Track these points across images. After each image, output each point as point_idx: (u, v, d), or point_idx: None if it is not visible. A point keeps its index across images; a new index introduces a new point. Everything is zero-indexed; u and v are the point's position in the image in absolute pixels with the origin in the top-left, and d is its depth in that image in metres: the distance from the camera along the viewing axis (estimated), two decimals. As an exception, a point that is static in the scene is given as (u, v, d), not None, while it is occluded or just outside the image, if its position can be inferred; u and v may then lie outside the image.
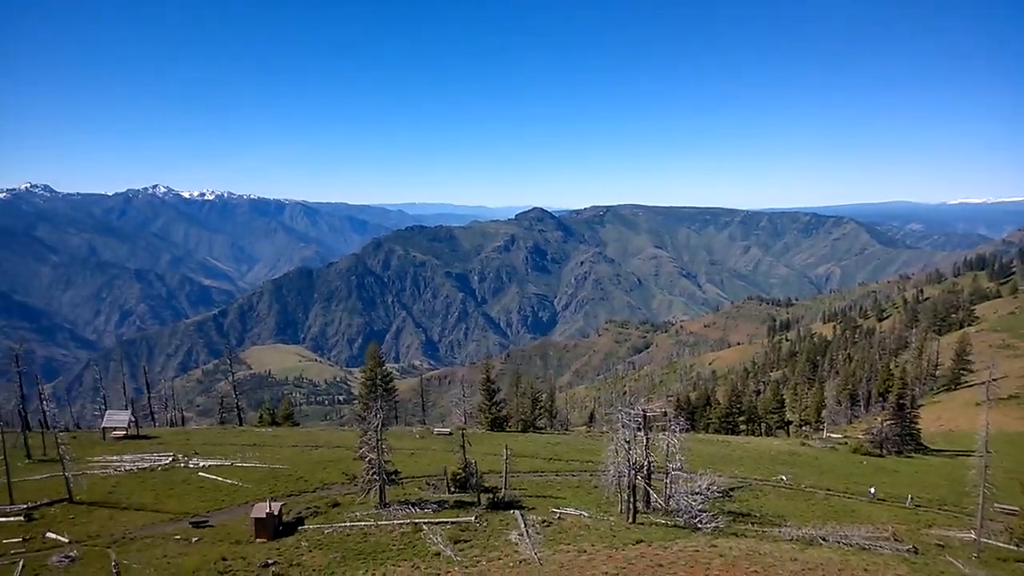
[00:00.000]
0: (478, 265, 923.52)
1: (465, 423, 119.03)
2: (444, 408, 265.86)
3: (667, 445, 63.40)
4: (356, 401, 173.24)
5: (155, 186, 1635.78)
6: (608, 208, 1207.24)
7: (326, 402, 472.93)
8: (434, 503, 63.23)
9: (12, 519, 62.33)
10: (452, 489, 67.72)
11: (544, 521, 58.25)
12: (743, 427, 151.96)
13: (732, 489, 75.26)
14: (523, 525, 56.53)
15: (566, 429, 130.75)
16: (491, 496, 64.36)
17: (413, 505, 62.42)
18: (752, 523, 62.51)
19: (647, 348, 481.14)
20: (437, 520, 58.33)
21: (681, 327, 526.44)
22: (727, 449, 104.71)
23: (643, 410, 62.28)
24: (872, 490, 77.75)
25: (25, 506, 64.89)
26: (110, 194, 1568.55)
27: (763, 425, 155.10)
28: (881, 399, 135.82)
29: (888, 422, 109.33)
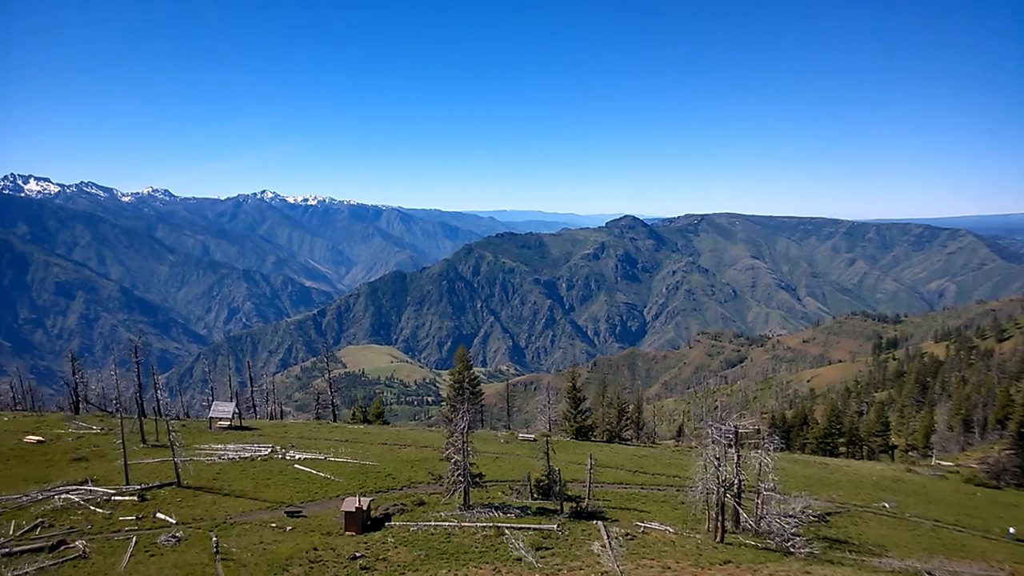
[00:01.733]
0: (567, 272, 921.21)
1: (550, 430, 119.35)
2: (529, 414, 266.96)
3: (759, 464, 61.51)
4: (444, 403, 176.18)
5: (263, 191, 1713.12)
6: (703, 216, 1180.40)
7: (415, 402, 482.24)
8: (517, 508, 63.93)
9: (128, 498, 67.06)
10: (535, 496, 68.26)
11: (627, 534, 57.97)
12: (843, 449, 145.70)
13: (829, 514, 72.43)
14: (606, 536, 56.45)
15: (653, 442, 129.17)
16: (574, 505, 64.57)
17: (496, 509, 63.31)
18: (850, 551, 59.96)
19: (741, 362, 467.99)
20: (519, 525, 58.99)
21: (778, 341, 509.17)
22: (824, 471, 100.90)
23: (735, 426, 60.94)
24: (1012, 530, 69.77)
25: (139, 487, 69.64)
26: (223, 198, 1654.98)
27: (865, 448, 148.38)
28: (999, 426, 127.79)
29: (1007, 451, 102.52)
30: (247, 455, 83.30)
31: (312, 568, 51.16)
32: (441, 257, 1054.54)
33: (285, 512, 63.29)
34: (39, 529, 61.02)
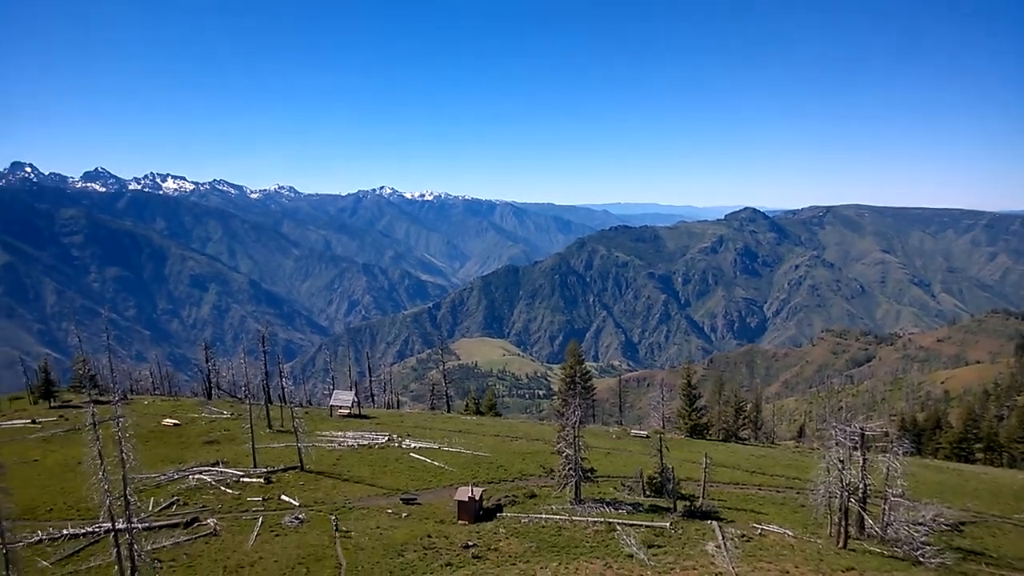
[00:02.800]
0: (683, 266, 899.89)
1: (663, 427, 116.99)
2: (641, 410, 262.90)
3: (887, 468, 57.68)
4: (555, 397, 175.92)
5: (382, 187, 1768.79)
6: (828, 208, 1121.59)
7: (526, 395, 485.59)
8: (628, 505, 62.87)
9: (255, 480, 70.55)
10: (647, 493, 66.93)
11: (743, 536, 55.85)
12: (980, 456, 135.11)
13: (963, 523, 67.26)
14: (721, 537, 54.61)
15: (772, 442, 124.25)
16: (688, 504, 62.84)
17: (607, 504, 62.50)
18: (986, 564, 55.41)
19: (868, 361, 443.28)
20: (631, 522, 57.97)
21: (909, 340, 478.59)
22: (959, 479, 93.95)
23: (861, 428, 57.44)
24: None
25: (265, 470, 73.18)
26: (344, 195, 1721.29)
27: (1005, 455, 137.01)
28: None
29: None
30: (365, 442, 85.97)
31: (426, 554, 52.10)
32: (553, 251, 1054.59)
33: (401, 499, 64.84)
34: (175, 506, 65.11)
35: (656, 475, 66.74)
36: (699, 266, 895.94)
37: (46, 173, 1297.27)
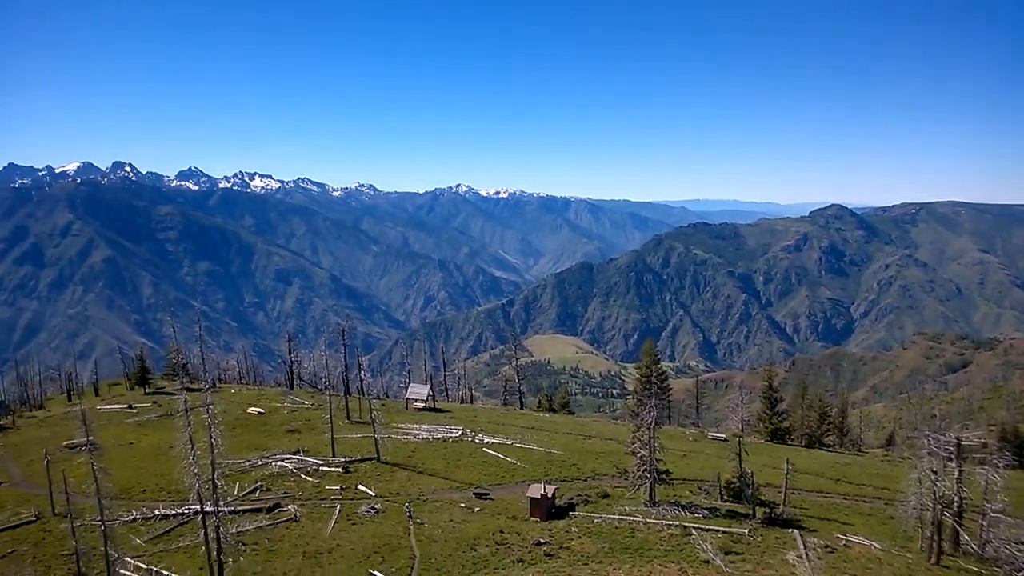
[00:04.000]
0: (764, 265, 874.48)
1: (742, 431, 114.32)
2: (719, 413, 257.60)
3: (985, 481, 54.46)
4: (629, 396, 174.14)
5: (458, 185, 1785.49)
6: (922, 205, 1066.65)
7: (600, 394, 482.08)
8: (705, 509, 61.62)
9: (334, 470, 72.39)
10: (725, 497, 65.49)
11: (827, 546, 53.92)
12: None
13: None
14: (802, 546, 52.90)
15: (859, 450, 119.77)
16: (767, 511, 61.12)
17: (683, 508, 61.45)
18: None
19: (964, 367, 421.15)
20: (707, 527, 56.82)
21: (1011, 345, 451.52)
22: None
23: (957, 437, 54.62)
24: None
25: (344, 460, 75.00)
26: (421, 192, 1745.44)
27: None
28: None
29: None
30: (439, 436, 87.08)
31: (498, 550, 52.39)
32: (629, 248, 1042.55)
33: (474, 493, 65.40)
34: (258, 492, 67.41)
35: (734, 480, 65.22)
36: (782, 265, 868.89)
37: (144, 172, 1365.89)
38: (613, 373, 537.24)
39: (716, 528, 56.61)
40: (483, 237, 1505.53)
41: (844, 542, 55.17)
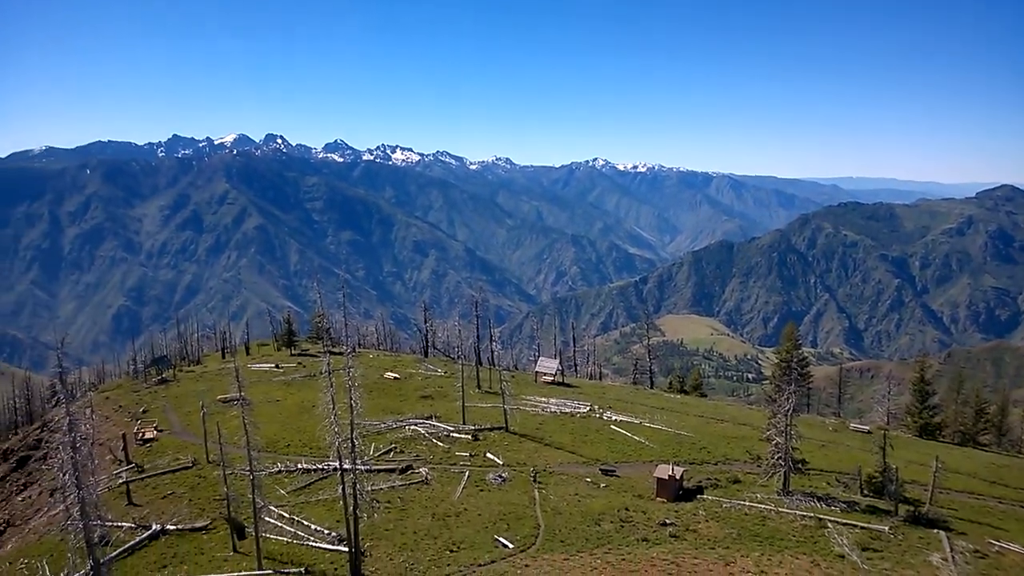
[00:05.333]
0: (921, 249, 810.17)
1: (887, 424, 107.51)
2: (863, 403, 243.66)
3: None
4: (767, 381, 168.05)
5: (595, 159, 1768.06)
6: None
7: (734, 378, 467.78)
8: (842, 502, 58.47)
9: (463, 437, 74.40)
10: (865, 492, 61.86)
11: (976, 551, 49.90)
12: None
13: None
14: (948, 549, 49.25)
15: (1019, 451, 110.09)
16: (911, 509, 57.18)
17: (818, 499, 58.62)
18: None
19: None
20: (844, 521, 53.96)
21: None
22: None
23: None
24: None
25: (473, 428, 76.88)
26: (557, 166, 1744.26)
27: None
28: None
29: None
30: (567, 411, 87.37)
31: (622, 527, 52.11)
32: (773, 227, 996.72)
33: (600, 469, 65.29)
34: (392, 453, 70.34)
35: (877, 474, 61.40)
36: (941, 249, 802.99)
37: (294, 144, 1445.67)
38: (749, 357, 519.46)
39: (853, 523, 53.66)
40: (618, 212, 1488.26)
41: (997, 548, 50.88)
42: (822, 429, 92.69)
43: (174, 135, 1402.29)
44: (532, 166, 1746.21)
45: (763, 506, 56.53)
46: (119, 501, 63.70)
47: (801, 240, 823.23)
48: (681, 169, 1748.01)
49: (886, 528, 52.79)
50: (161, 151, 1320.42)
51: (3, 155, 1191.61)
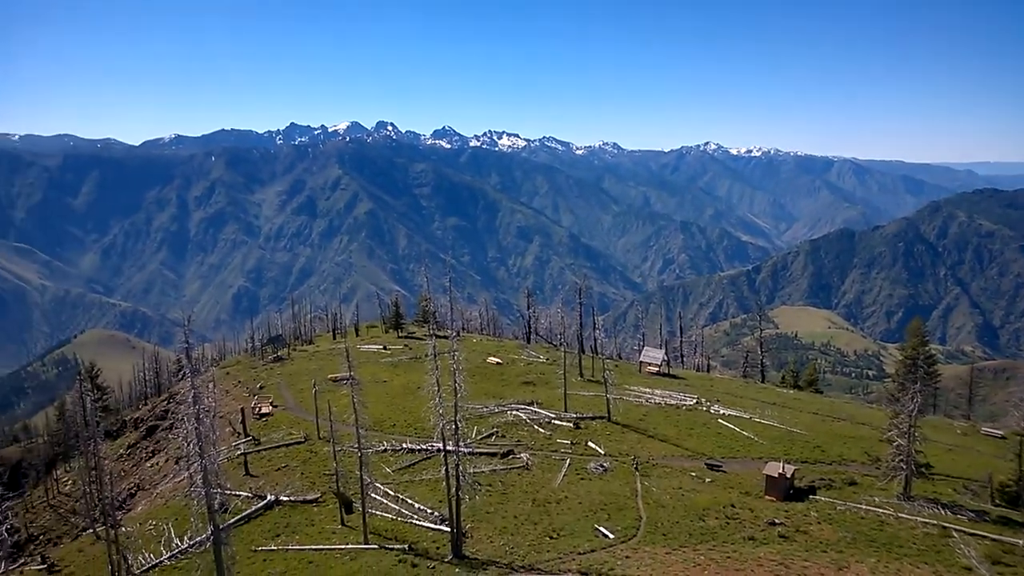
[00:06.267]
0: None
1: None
2: (996, 406, 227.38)
3: None
4: (889, 379, 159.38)
5: (707, 143, 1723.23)
6: None
7: (852, 374, 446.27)
8: (971, 511, 54.39)
9: (565, 424, 74.08)
10: (996, 501, 57.39)
11: None
12: None
13: None
14: (1094, 568, 45.02)
15: None
16: (1051, 522, 52.67)
17: (943, 506, 54.80)
18: None
19: None
20: (972, 531, 50.20)
21: None
22: None
23: None
24: None
25: (575, 416, 76.41)
26: (666, 151, 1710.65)
27: None
28: None
29: None
30: (672, 402, 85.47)
31: (728, 523, 50.50)
32: (899, 215, 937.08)
33: (705, 464, 63.49)
34: (494, 437, 70.87)
35: (1011, 482, 56.84)
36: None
37: (403, 131, 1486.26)
38: (870, 352, 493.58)
39: (983, 534, 49.83)
40: (730, 198, 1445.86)
41: None
42: (949, 432, 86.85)
43: (291, 123, 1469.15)
44: (640, 150, 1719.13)
45: (881, 510, 53.39)
46: (237, 471, 67.11)
47: (931, 229, 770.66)
48: (799, 153, 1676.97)
49: (1021, 542, 48.79)
50: (279, 139, 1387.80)
51: (136, 143, 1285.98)
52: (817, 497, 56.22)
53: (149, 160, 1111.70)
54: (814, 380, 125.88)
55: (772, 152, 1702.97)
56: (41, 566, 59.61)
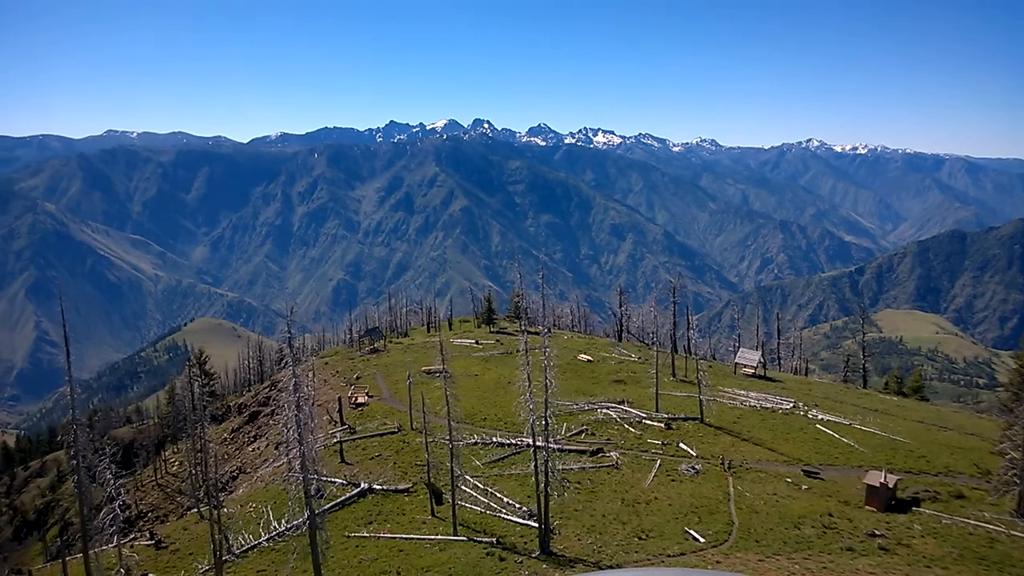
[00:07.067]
0: None
1: None
2: None
3: None
4: (1001, 388, 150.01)
5: (808, 140, 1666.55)
6: None
7: (961, 382, 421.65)
8: (1095, 532, 50.84)
9: (656, 424, 73.33)
10: (1126, 523, 53.40)
11: None
12: None
13: None
14: None
15: None
16: None
17: (1063, 526, 51.39)
18: None
19: None
20: (1097, 554, 46.89)
21: None
22: None
23: None
24: None
25: (666, 416, 75.53)
26: (766, 148, 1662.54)
27: None
28: None
29: None
30: (768, 406, 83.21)
31: (825, 533, 48.89)
32: (1016, 216, 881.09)
33: (802, 470, 61.57)
34: (583, 435, 70.85)
35: None
36: None
37: (499, 129, 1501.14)
38: (981, 360, 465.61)
39: (1110, 559, 46.51)
40: (833, 197, 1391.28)
41: None
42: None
43: (391, 121, 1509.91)
44: (739, 148, 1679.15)
45: (991, 527, 50.49)
46: (333, 458, 69.64)
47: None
48: (907, 151, 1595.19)
49: None
50: (379, 136, 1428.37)
51: (245, 140, 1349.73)
52: (921, 510, 53.68)
53: (256, 157, 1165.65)
54: (919, 387, 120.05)
55: (879, 149, 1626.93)
56: (149, 541, 63.77)
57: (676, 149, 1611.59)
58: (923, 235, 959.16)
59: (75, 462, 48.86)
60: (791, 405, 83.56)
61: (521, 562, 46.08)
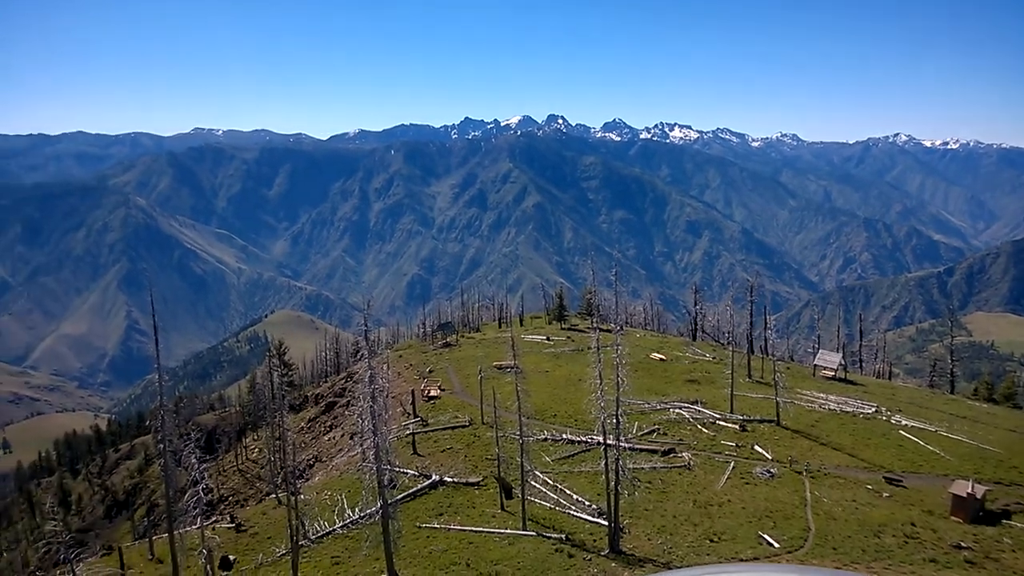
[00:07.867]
0: None
1: None
2: None
3: None
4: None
5: (896, 135, 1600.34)
6: None
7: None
8: None
9: (730, 426, 72.01)
10: None
11: None
12: None
13: None
14: None
15: None
16: None
17: None
18: None
19: None
20: None
21: None
22: None
23: None
24: None
25: (741, 418, 74.07)
26: (850, 143, 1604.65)
27: None
28: None
29: None
30: (849, 410, 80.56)
31: (907, 543, 47.06)
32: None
33: (883, 477, 59.40)
34: (655, 434, 70.15)
35: None
36: None
37: (573, 124, 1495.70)
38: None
39: None
40: (921, 194, 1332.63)
41: None
42: None
43: (466, 118, 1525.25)
44: (821, 142, 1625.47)
45: (1091, 544, 47.74)
46: (406, 450, 70.91)
47: None
48: (1003, 146, 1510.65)
49: None
50: (454, 133, 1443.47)
51: (324, 137, 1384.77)
52: (1012, 523, 51.07)
53: (335, 154, 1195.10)
54: (1012, 394, 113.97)
55: (971, 144, 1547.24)
56: (230, 524, 66.31)
57: (755, 144, 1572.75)
58: (1018, 234, 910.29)
59: (162, 446, 51.29)
60: (873, 409, 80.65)
61: (590, 559, 45.97)
